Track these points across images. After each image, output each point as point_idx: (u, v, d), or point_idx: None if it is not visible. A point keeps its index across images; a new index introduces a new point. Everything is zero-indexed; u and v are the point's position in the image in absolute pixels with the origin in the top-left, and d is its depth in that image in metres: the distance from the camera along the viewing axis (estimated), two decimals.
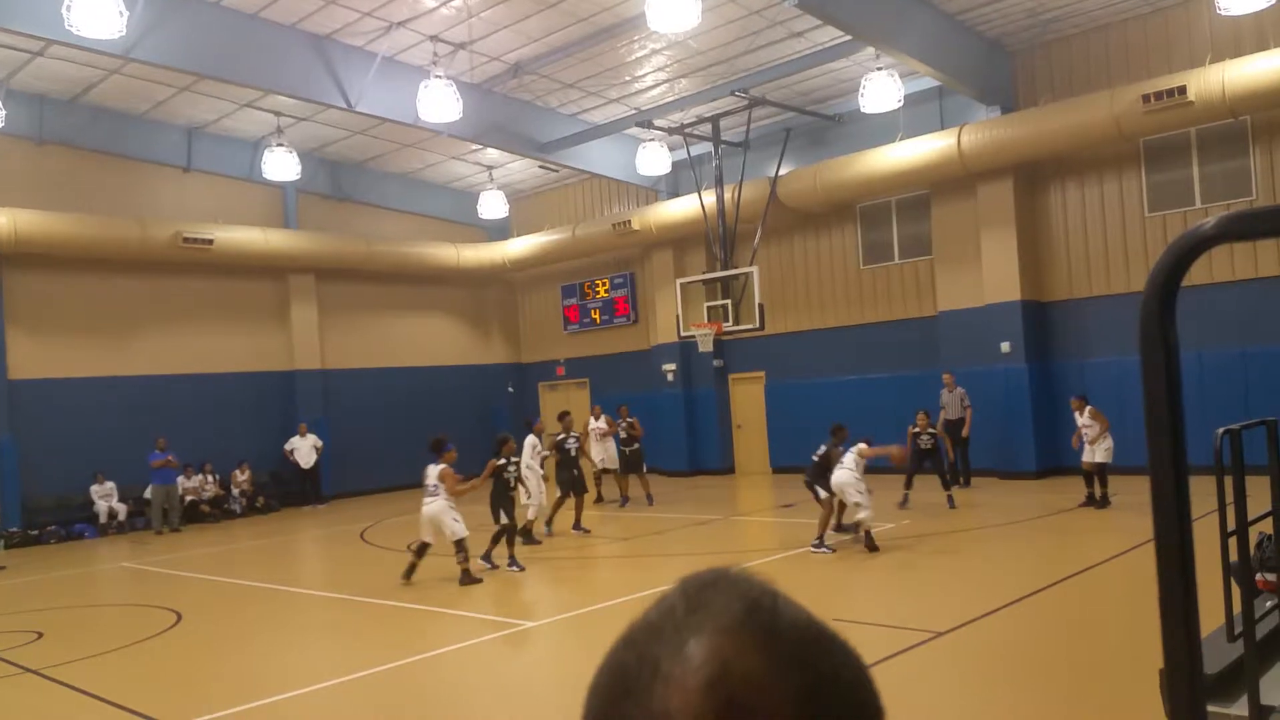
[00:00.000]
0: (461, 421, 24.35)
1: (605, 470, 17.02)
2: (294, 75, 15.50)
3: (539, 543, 13.21)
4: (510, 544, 11.46)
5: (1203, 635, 1.59)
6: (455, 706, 6.65)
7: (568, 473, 14.05)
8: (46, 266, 18.26)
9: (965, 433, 15.81)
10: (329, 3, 14.46)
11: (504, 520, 11.39)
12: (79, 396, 18.44)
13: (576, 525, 13.95)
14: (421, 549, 10.84)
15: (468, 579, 10.58)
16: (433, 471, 10.81)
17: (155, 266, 19.53)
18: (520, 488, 12.36)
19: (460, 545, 10.57)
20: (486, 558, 11.46)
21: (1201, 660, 1.45)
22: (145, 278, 19.59)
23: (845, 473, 11.14)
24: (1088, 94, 15.48)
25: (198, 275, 20.26)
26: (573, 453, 14.31)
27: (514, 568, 11.29)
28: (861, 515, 11.06)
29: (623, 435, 16.75)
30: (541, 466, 13.65)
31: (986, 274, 16.93)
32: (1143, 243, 15.86)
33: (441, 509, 10.66)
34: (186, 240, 19.05)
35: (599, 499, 17.14)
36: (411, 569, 10.80)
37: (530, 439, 13.65)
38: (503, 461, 11.61)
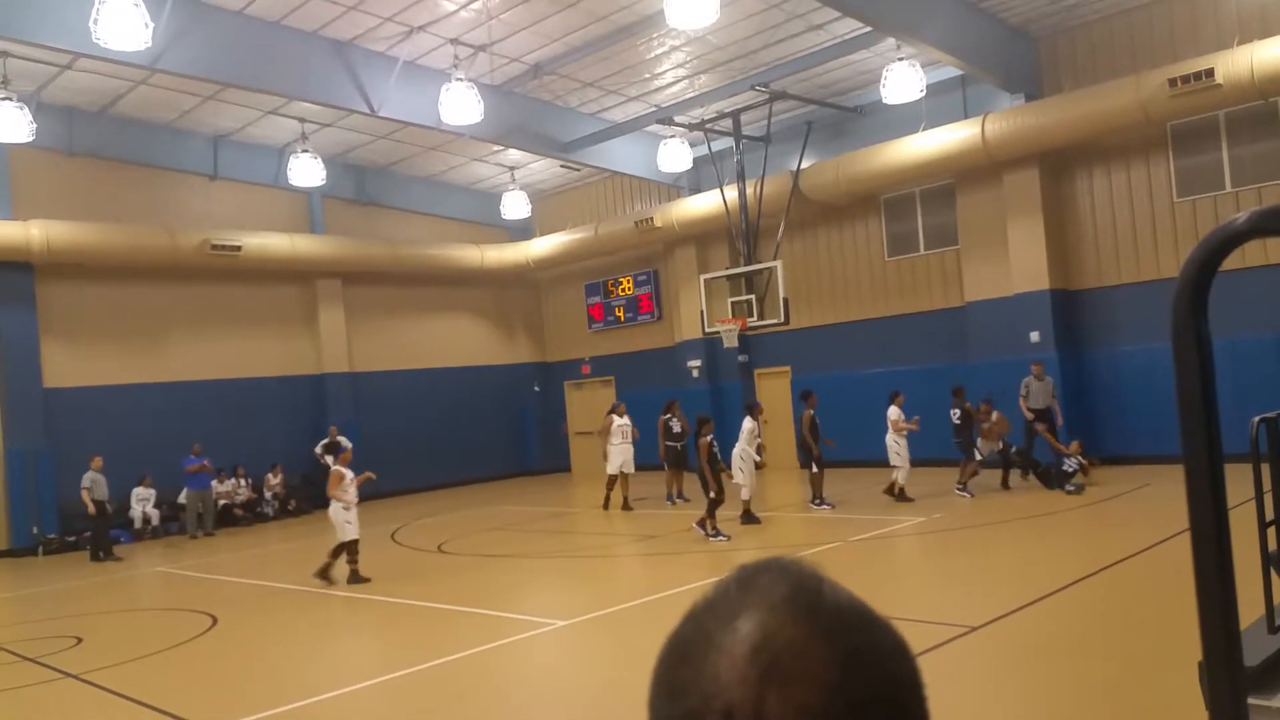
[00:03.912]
0: (488, 421, 24.54)
1: (623, 474, 16.32)
2: (317, 82, 15.61)
3: (759, 521, 13.36)
4: (711, 515, 12.33)
5: (1242, 627, 1.57)
6: (490, 706, 6.68)
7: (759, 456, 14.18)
8: (78, 276, 18.54)
9: (1060, 423, 14.91)
10: (350, 9, 14.56)
11: (712, 494, 12.26)
12: (113, 404, 18.71)
13: (815, 499, 14.34)
14: (343, 549, 11.43)
15: (355, 579, 11.28)
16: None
17: (185, 274, 19.77)
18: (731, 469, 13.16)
19: (350, 548, 11.31)
20: (716, 533, 12.22)
21: (1241, 652, 1.44)
22: (175, 285, 19.83)
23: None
24: (1113, 79, 15.28)
25: (226, 281, 20.49)
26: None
27: (719, 538, 12.20)
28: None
29: (676, 429, 16.06)
30: (758, 453, 13.92)
31: (1014, 263, 16.78)
32: (1172, 228, 15.65)
33: (335, 510, 11.28)
34: (215, 247, 19.27)
35: (626, 506, 16.21)
36: (354, 575, 11.39)
37: (750, 423, 13.70)
38: (709, 439, 12.55)
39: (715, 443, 12.68)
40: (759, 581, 0.71)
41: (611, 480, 16.38)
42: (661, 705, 0.68)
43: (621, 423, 16.58)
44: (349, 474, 11.35)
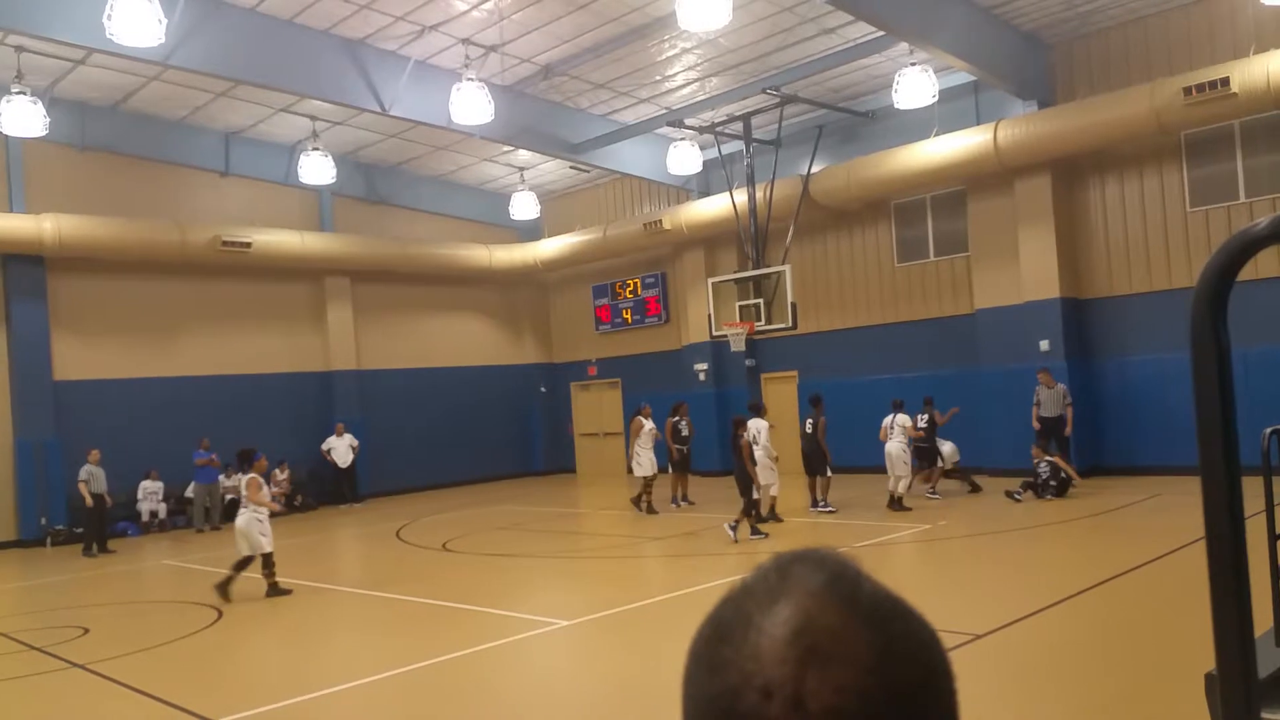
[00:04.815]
0: (494, 421, 24.55)
1: (651, 477, 15.96)
2: (329, 80, 15.66)
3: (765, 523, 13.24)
4: (750, 516, 12.49)
5: None
6: (491, 705, 6.68)
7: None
8: (89, 270, 18.61)
9: (1068, 431, 15.00)
10: (362, 8, 14.59)
11: (757, 495, 12.58)
12: (122, 397, 18.78)
13: (819, 503, 14.53)
14: (241, 564, 10.67)
15: (274, 591, 10.61)
16: (243, 482, 10.87)
17: (195, 269, 19.83)
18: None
19: (267, 560, 10.63)
20: (737, 528, 12.25)
21: (1255, 664, 1.42)
22: (185, 280, 19.90)
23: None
24: (1127, 87, 15.23)
25: (236, 278, 20.55)
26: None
27: (755, 535, 12.33)
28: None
29: (685, 433, 16.27)
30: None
31: (1025, 271, 16.72)
32: (1184, 238, 15.59)
33: (249, 521, 10.61)
34: (225, 244, 19.32)
35: (650, 509, 15.78)
36: (228, 581, 10.55)
37: (762, 423, 13.71)
38: (749, 438, 12.70)
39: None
40: (797, 569, 0.73)
41: (650, 482, 15.92)
42: (700, 681, 0.70)
43: (650, 426, 16.48)
44: (264, 484, 10.97)
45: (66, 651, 8.74)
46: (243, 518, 10.70)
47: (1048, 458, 14.17)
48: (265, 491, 10.94)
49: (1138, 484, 14.61)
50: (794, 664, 0.66)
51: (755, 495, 12.56)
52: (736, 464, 12.72)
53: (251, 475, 10.77)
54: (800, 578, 0.71)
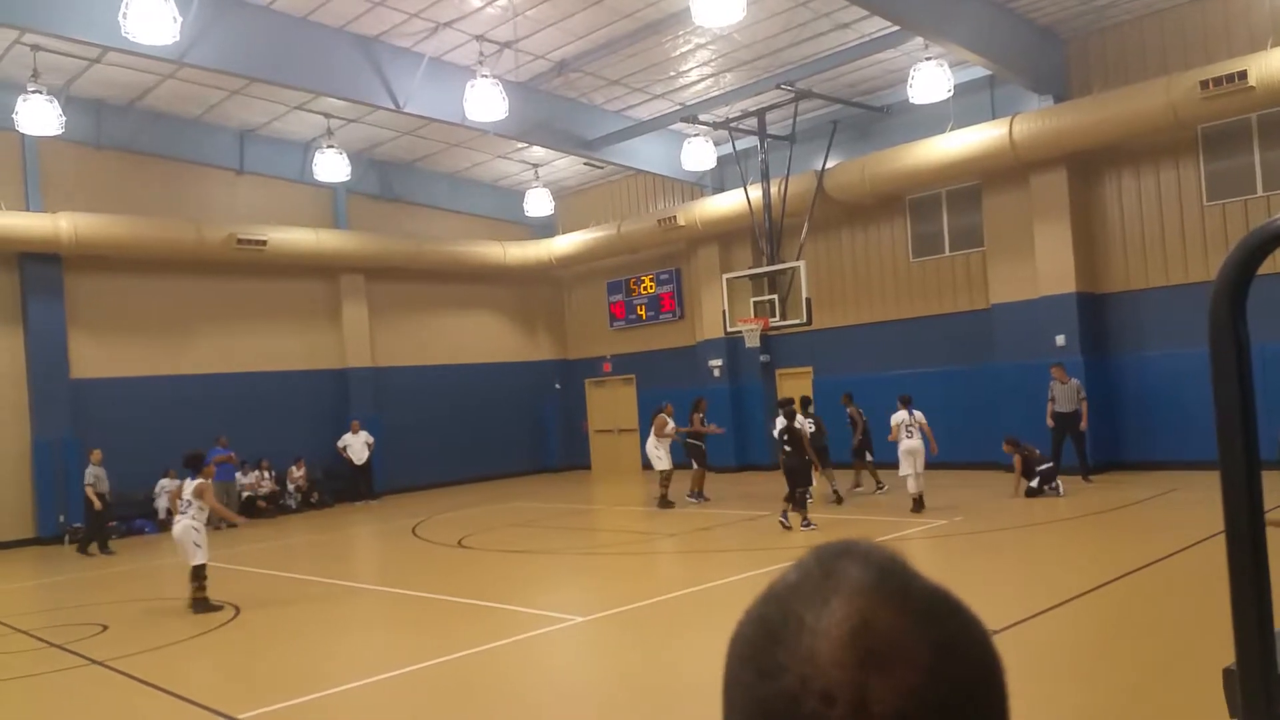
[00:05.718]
0: (509, 418, 24.59)
1: (669, 471, 16.17)
2: (343, 77, 15.71)
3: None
4: (788, 503, 12.77)
5: None
6: (507, 701, 6.70)
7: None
8: (106, 269, 18.74)
9: (1083, 425, 14.89)
10: (376, 5, 14.63)
11: (816, 483, 13.05)
12: (139, 395, 18.90)
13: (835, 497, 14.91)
14: (201, 574, 10.13)
15: (202, 607, 9.98)
16: (188, 487, 10.25)
17: (211, 267, 19.94)
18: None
19: (197, 573, 10.04)
20: (806, 520, 12.54)
21: (1275, 659, 1.42)
22: (201, 278, 20.01)
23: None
24: (1143, 81, 15.12)
25: (252, 276, 20.64)
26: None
27: (807, 526, 12.47)
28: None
29: (708, 429, 16.40)
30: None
31: (1040, 266, 16.64)
32: (1201, 232, 15.48)
33: (185, 529, 10.04)
34: (240, 241, 19.42)
35: (666, 502, 15.92)
36: (205, 602, 10.11)
37: (803, 417, 13.95)
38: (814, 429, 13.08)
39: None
40: (843, 565, 0.70)
41: (668, 476, 16.09)
42: (750, 685, 0.68)
43: (672, 424, 16.48)
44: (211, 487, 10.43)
45: (85, 648, 8.81)
46: (179, 526, 10.14)
47: (1020, 452, 14.07)
48: (209, 498, 10.28)
49: (1154, 479, 14.53)
50: (854, 668, 0.64)
51: (815, 483, 12.93)
52: (791, 453, 12.72)
53: (200, 480, 10.24)
54: (848, 574, 0.69)
